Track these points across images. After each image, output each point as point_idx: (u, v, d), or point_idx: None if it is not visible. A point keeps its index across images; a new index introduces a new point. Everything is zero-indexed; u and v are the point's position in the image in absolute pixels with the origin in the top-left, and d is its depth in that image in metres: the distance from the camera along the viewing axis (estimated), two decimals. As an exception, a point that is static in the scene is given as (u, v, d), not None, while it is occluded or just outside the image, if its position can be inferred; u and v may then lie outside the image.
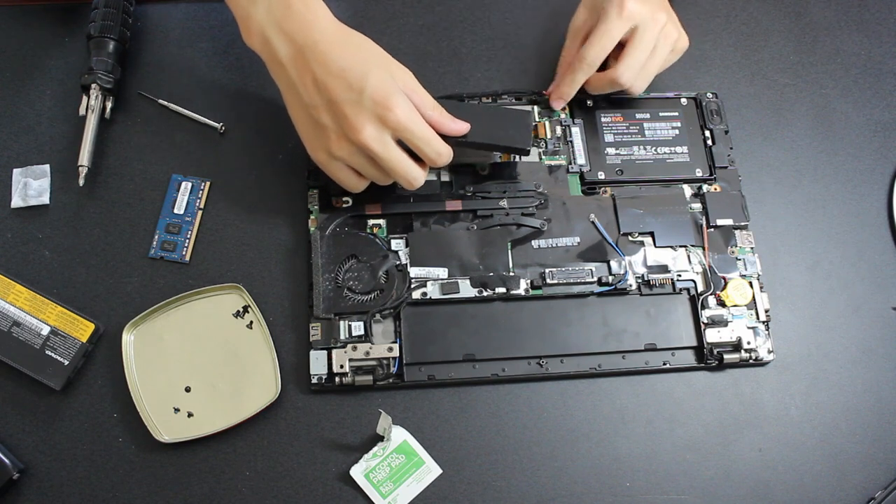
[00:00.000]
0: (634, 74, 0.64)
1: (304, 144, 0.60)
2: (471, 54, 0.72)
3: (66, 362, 0.59)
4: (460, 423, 0.60)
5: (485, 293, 0.62)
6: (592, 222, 0.65)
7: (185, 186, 0.65)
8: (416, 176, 0.59)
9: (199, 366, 0.60)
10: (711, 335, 0.62)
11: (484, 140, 0.64)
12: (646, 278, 0.63)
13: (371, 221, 0.64)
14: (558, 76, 0.67)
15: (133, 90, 0.68)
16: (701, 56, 0.73)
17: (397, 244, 0.63)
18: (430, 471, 0.59)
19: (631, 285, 0.63)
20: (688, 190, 0.67)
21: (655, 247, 0.65)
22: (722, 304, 0.63)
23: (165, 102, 0.68)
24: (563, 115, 0.68)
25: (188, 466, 0.58)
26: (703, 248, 0.65)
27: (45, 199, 0.64)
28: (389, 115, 0.55)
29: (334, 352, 0.60)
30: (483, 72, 0.71)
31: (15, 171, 0.65)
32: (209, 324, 0.61)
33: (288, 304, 0.62)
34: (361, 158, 0.58)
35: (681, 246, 0.65)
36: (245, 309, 0.62)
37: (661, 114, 0.69)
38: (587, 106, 0.69)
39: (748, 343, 0.62)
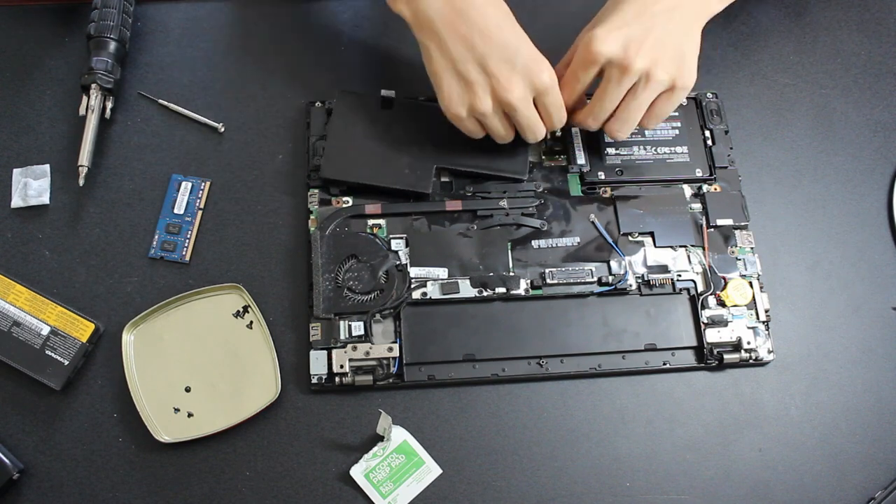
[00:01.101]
0: (599, 120, 0.61)
1: (441, 99, 0.60)
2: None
3: (66, 362, 0.59)
4: (460, 423, 0.60)
5: (485, 293, 0.62)
6: (592, 222, 0.65)
7: (185, 186, 0.65)
8: (541, 130, 0.61)
9: (199, 366, 0.60)
10: (711, 335, 0.62)
11: (477, 167, 0.64)
12: (646, 278, 0.63)
13: (371, 221, 0.64)
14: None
15: (133, 90, 0.68)
16: (701, 56, 0.73)
17: (397, 244, 0.63)
18: (430, 471, 0.59)
19: (631, 285, 0.63)
20: (688, 190, 0.67)
21: (655, 247, 0.65)
22: (722, 304, 0.63)
23: (165, 102, 0.68)
24: (563, 115, 0.68)
25: (188, 466, 0.58)
26: (703, 248, 0.65)
27: (45, 199, 0.64)
28: (542, 76, 0.58)
29: (334, 352, 0.60)
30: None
31: (15, 171, 0.65)
32: (209, 324, 0.61)
33: (288, 304, 0.62)
34: (498, 115, 0.60)
35: (681, 246, 0.65)
36: (245, 309, 0.62)
37: (661, 114, 0.69)
38: (587, 106, 0.69)
39: (748, 343, 0.62)
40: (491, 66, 0.57)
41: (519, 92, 0.58)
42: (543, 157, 0.67)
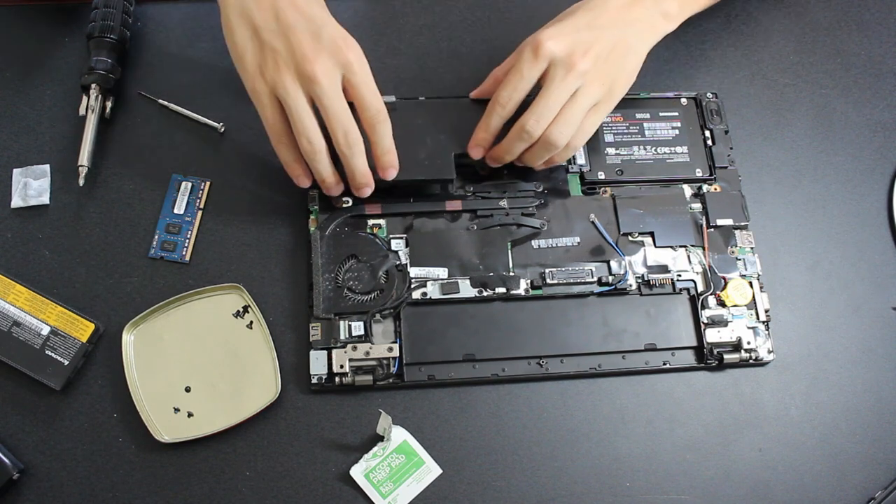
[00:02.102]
0: (544, 123, 0.59)
1: (240, 67, 0.57)
2: (471, 54, 0.72)
3: (66, 362, 0.59)
4: (460, 423, 0.60)
5: (485, 293, 0.62)
6: (592, 222, 0.65)
7: (185, 186, 0.65)
8: (351, 128, 0.56)
9: (199, 366, 0.60)
10: (711, 335, 0.62)
11: (405, 178, 0.62)
12: (646, 278, 0.63)
13: (371, 221, 0.64)
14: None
15: (133, 90, 0.68)
16: (701, 56, 0.73)
17: (397, 244, 0.63)
18: (430, 471, 0.59)
19: (631, 285, 0.63)
20: (688, 190, 0.67)
21: (655, 247, 0.65)
22: (722, 304, 0.63)
23: (165, 102, 0.68)
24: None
25: (188, 466, 0.58)
26: (703, 248, 0.65)
27: (45, 199, 0.64)
28: (349, 51, 0.55)
29: (334, 352, 0.60)
30: (483, 72, 0.71)
31: (15, 171, 0.65)
32: (209, 324, 0.61)
33: (288, 304, 0.62)
34: (298, 95, 0.55)
35: (681, 246, 0.65)
36: (245, 309, 0.62)
37: (661, 114, 0.69)
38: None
39: (748, 343, 0.62)
40: (297, 36, 0.54)
41: (323, 65, 0.54)
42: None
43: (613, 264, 0.63)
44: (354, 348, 0.60)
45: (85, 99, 0.65)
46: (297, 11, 0.55)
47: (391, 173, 0.60)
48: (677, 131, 0.68)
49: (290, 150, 0.59)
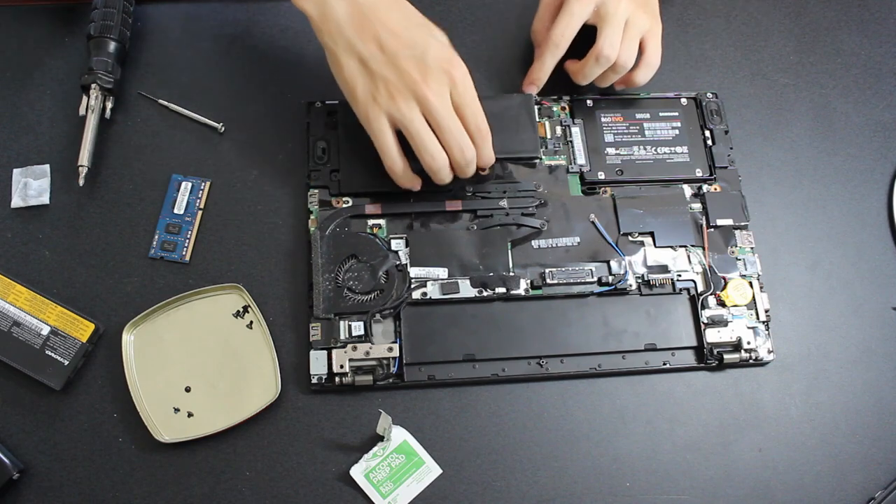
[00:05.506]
0: (617, 46, 0.64)
1: (351, 98, 0.59)
2: (471, 54, 0.72)
3: (66, 362, 0.59)
4: (460, 423, 0.60)
5: (485, 293, 0.62)
6: (592, 222, 0.65)
7: (185, 186, 0.65)
8: (467, 142, 0.59)
9: (199, 366, 0.60)
10: (711, 335, 0.62)
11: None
12: (646, 278, 0.63)
13: (371, 221, 0.64)
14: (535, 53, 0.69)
15: (133, 90, 0.68)
16: (701, 56, 0.73)
17: (397, 244, 0.63)
18: (430, 471, 0.59)
19: (631, 285, 0.63)
20: (688, 190, 0.67)
21: (655, 247, 0.65)
22: (722, 304, 0.63)
23: (165, 102, 0.68)
24: (562, 115, 0.68)
25: (188, 466, 0.58)
26: (703, 248, 0.65)
27: (45, 199, 0.64)
28: (454, 71, 0.58)
29: (334, 352, 0.60)
30: (483, 72, 0.71)
31: (15, 171, 0.65)
32: (209, 324, 0.61)
33: (288, 304, 0.62)
34: (414, 116, 0.58)
35: (681, 246, 0.65)
36: (245, 309, 0.62)
37: (661, 114, 0.69)
38: (587, 106, 0.69)
39: (748, 343, 0.62)
40: (404, 63, 0.57)
41: (435, 86, 0.57)
42: (543, 158, 0.67)
43: (613, 264, 0.63)
44: (354, 348, 0.60)
45: (85, 99, 0.65)
46: (399, 39, 0.57)
47: (489, 164, 0.63)
48: (677, 131, 0.68)
49: (405, 168, 0.61)
